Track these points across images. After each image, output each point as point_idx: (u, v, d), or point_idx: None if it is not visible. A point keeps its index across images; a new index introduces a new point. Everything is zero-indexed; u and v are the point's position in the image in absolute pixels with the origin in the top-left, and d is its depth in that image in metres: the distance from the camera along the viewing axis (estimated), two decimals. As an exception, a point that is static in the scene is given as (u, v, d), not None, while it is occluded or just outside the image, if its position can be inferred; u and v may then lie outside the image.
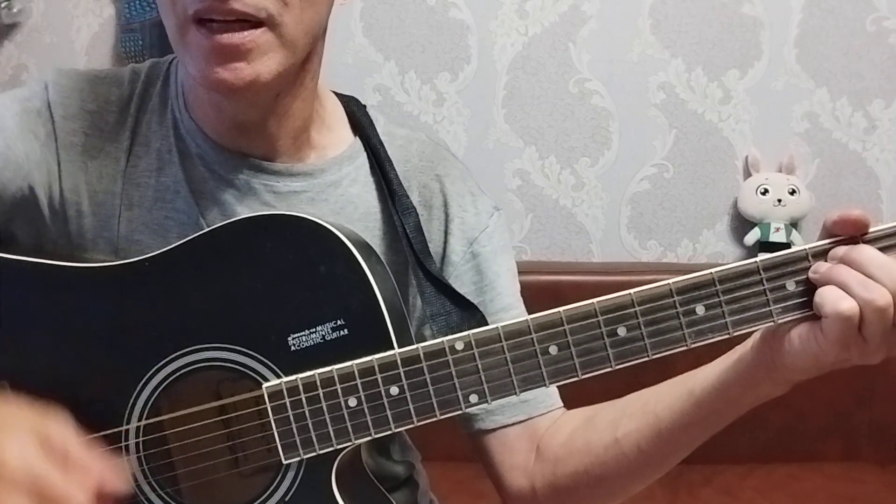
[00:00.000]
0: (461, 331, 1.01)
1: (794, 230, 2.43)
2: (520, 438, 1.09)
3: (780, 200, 2.40)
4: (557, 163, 2.50)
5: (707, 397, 0.94)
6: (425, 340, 1.03)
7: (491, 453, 1.10)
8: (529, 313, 0.91)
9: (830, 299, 0.82)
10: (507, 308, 1.10)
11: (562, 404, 1.11)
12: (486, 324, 1.04)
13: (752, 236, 2.44)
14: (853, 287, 0.82)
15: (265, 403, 0.92)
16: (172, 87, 1.09)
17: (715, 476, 2.22)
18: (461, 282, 1.09)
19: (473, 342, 0.90)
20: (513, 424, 1.09)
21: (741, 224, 2.48)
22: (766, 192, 2.41)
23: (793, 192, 2.41)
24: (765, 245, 2.41)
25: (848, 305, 0.81)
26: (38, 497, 0.79)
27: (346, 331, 0.93)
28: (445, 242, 1.11)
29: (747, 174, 2.46)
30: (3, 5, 2.47)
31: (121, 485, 0.86)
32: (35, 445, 0.81)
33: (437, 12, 2.47)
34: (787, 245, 2.37)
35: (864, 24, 2.39)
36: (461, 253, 1.11)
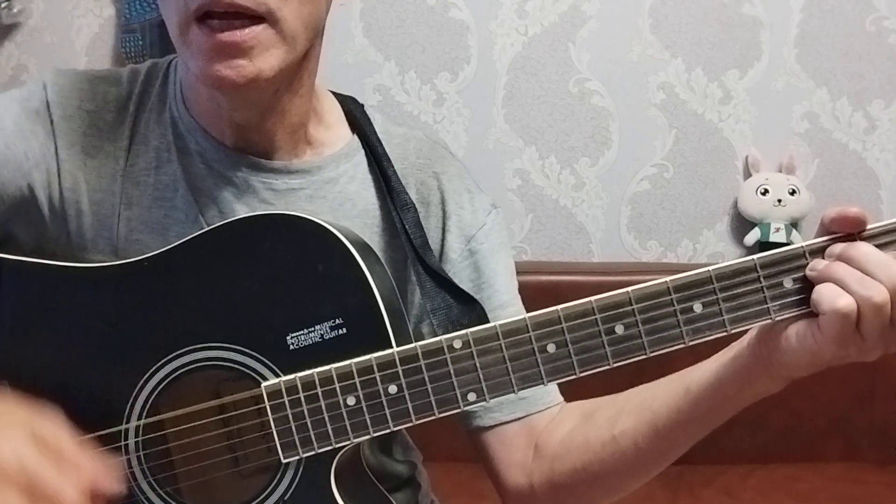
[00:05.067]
0: (461, 324, 1.01)
1: (794, 230, 2.43)
2: (518, 435, 1.09)
3: (780, 200, 2.40)
4: (557, 163, 2.51)
5: (704, 394, 0.94)
6: (423, 337, 1.03)
7: (489, 450, 1.10)
8: (529, 313, 0.91)
9: (828, 296, 0.82)
10: (504, 305, 1.10)
11: (561, 400, 1.11)
12: (486, 317, 1.04)
13: (752, 236, 2.44)
14: (850, 284, 0.82)
15: (264, 403, 0.92)
16: (171, 87, 1.09)
17: (715, 477, 2.22)
18: (459, 279, 1.09)
19: (471, 341, 0.90)
20: (511, 421, 1.09)
21: (741, 224, 2.49)
22: (766, 192, 2.41)
23: (793, 193, 2.41)
24: (765, 245, 2.41)
25: (845, 302, 0.81)
26: (31, 493, 0.80)
27: (344, 330, 0.93)
28: (443, 240, 1.11)
29: (747, 174, 2.46)
30: (3, 5, 2.47)
31: (114, 484, 0.87)
32: (29, 442, 0.82)
33: (437, 12, 2.47)
34: (787, 245, 2.36)
35: (864, 24, 2.39)
36: (459, 250, 1.11)
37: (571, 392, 1.09)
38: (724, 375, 0.93)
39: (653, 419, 0.98)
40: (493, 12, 2.46)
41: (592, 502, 1.09)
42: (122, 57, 2.47)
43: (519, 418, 1.09)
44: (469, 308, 1.05)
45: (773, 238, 2.40)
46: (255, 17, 0.93)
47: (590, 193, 2.52)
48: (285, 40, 0.95)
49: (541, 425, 1.09)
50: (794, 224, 2.44)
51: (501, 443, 1.09)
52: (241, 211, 1.04)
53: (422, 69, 2.50)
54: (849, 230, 0.85)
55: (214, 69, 0.94)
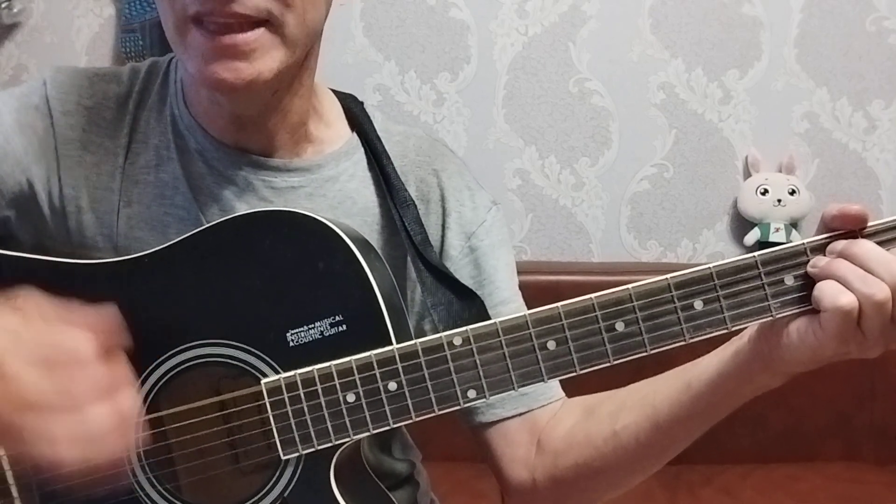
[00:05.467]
0: (462, 319, 1.02)
1: (794, 230, 2.43)
2: (520, 431, 1.09)
3: (779, 200, 2.40)
4: (557, 163, 2.51)
5: (704, 389, 0.95)
6: (425, 334, 1.03)
7: (492, 446, 1.10)
8: (529, 311, 0.90)
9: (829, 294, 0.82)
10: (505, 301, 1.11)
11: (562, 395, 1.11)
12: (486, 312, 1.05)
13: (752, 236, 2.44)
14: (852, 281, 0.82)
15: (264, 399, 0.92)
16: (171, 85, 1.09)
17: (715, 476, 2.22)
18: (460, 276, 1.09)
19: (472, 337, 0.90)
20: (513, 417, 1.09)
21: (741, 224, 2.49)
22: (766, 192, 2.41)
23: (793, 193, 2.41)
24: (764, 245, 2.41)
25: (847, 300, 0.81)
26: (45, 362, 0.79)
27: (344, 327, 0.93)
28: (443, 237, 1.11)
29: (747, 174, 2.46)
30: (3, 5, 2.47)
31: (112, 321, 0.85)
32: (12, 315, 0.82)
33: (437, 12, 2.47)
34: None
35: (864, 24, 2.39)
36: (459, 247, 1.11)
37: (570, 389, 1.10)
38: (725, 371, 0.93)
39: (654, 414, 0.98)
40: (493, 12, 2.46)
41: (594, 497, 1.09)
42: (122, 57, 2.47)
43: (521, 414, 1.09)
44: (469, 302, 1.05)
45: (773, 238, 2.40)
46: (254, 21, 0.93)
47: (590, 193, 2.52)
48: (286, 44, 0.95)
49: (543, 421, 1.09)
50: (793, 224, 2.44)
51: (503, 439, 1.09)
52: (242, 209, 1.04)
53: (422, 69, 2.50)
54: (850, 227, 0.85)
55: (213, 71, 0.93)
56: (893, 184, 2.46)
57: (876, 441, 2.28)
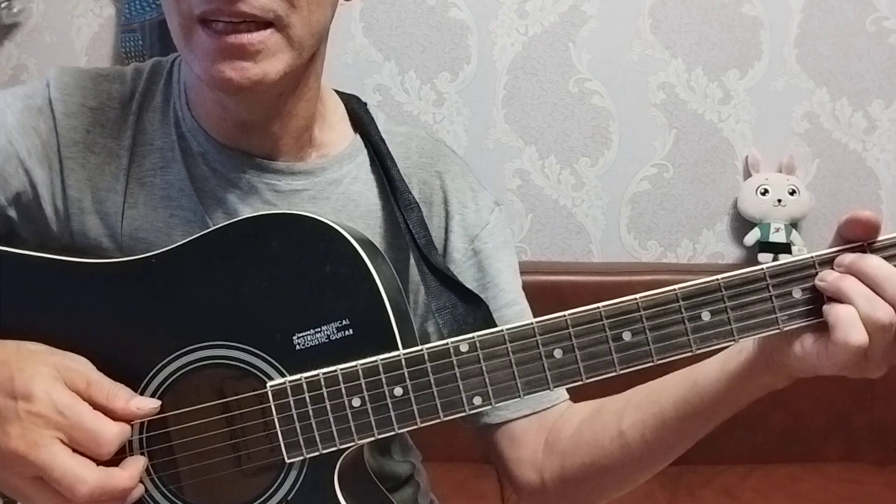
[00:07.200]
0: (467, 323, 1.01)
1: (793, 230, 2.43)
2: (526, 432, 1.09)
3: (779, 201, 2.40)
4: (557, 163, 2.51)
5: (709, 388, 0.95)
6: (429, 337, 1.03)
7: (499, 447, 1.11)
8: (536, 318, 0.90)
9: (842, 328, 0.82)
10: (509, 304, 1.11)
11: (567, 397, 1.12)
12: (491, 316, 1.04)
13: (752, 236, 2.44)
14: (860, 304, 0.81)
15: (269, 402, 0.92)
16: (175, 86, 1.09)
17: (715, 477, 2.23)
18: (463, 279, 1.09)
19: (478, 344, 0.90)
20: (518, 419, 1.09)
21: (741, 224, 2.49)
22: (766, 192, 2.41)
23: (793, 193, 2.41)
24: (764, 245, 2.41)
25: (859, 339, 0.81)
26: (69, 435, 0.86)
27: (350, 331, 0.92)
28: (446, 239, 1.11)
29: (747, 174, 2.47)
30: (3, 5, 2.46)
31: (150, 407, 0.92)
32: (59, 379, 0.88)
33: (437, 12, 2.47)
34: (787, 245, 2.37)
35: (864, 24, 2.40)
36: (462, 250, 1.11)
37: (572, 393, 1.10)
38: (729, 369, 0.93)
39: (660, 413, 0.99)
40: (493, 12, 2.46)
41: (602, 495, 1.09)
42: (122, 57, 2.47)
43: (526, 415, 1.09)
44: (474, 306, 1.05)
45: (773, 238, 2.40)
46: (261, 22, 0.93)
47: (590, 193, 2.52)
48: (292, 46, 0.95)
49: (549, 421, 1.09)
50: (793, 224, 2.44)
51: (510, 440, 1.10)
52: (245, 212, 1.04)
53: (422, 69, 2.50)
54: (860, 235, 0.85)
55: (219, 70, 0.93)
56: (893, 184, 2.46)
57: (876, 441, 2.29)
